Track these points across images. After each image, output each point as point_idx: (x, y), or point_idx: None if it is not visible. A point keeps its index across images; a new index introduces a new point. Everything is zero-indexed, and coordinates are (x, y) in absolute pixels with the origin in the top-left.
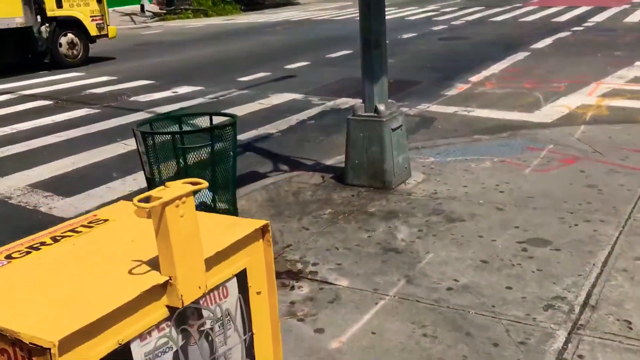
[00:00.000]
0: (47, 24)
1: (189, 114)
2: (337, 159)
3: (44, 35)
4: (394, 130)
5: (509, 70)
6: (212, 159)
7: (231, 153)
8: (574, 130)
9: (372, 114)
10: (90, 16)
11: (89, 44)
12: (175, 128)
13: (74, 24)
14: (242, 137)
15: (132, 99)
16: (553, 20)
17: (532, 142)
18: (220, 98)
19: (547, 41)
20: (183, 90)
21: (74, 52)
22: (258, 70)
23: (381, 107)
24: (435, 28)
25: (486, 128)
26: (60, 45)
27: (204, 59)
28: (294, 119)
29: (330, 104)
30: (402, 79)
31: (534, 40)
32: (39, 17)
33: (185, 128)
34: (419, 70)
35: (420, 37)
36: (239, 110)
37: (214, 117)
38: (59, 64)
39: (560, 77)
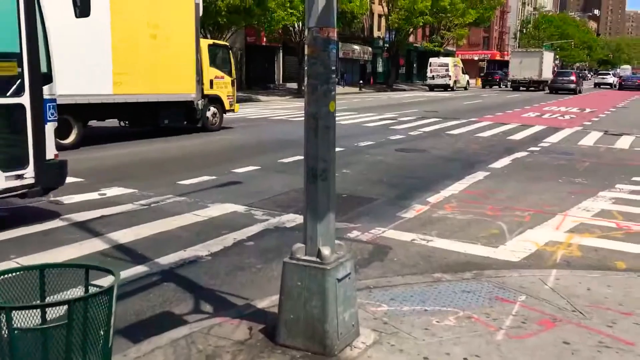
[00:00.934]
0: (203, 100)
1: (57, 264)
2: (272, 300)
3: (200, 107)
4: (340, 280)
5: (469, 192)
6: (66, 344)
7: (101, 332)
8: (546, 276)
9: (314, 258)
10: (227, 95)
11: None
12: (36, 283)
13: (216, 100)
14: (164, 260)
15: (53, 198)
16: (509, 138)
17: (500, 290)
18: (152, 205)
19: (505, 161)
20: (113, 192)
21: (215, 120)
22: (202, 172)
23: (326, 252)
24: (393, 137)
25: (447, 264)
26: (207, 115)
27: (147, 155)
28: (230, 238)
29: (274, 220)
30: (356, 195)
31: (492, 158)
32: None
33: (48, 285)
34: (374, 185)
35: (377, 146)
36: (169, 223)
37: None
38: (205, 128)
39: (524, 205)
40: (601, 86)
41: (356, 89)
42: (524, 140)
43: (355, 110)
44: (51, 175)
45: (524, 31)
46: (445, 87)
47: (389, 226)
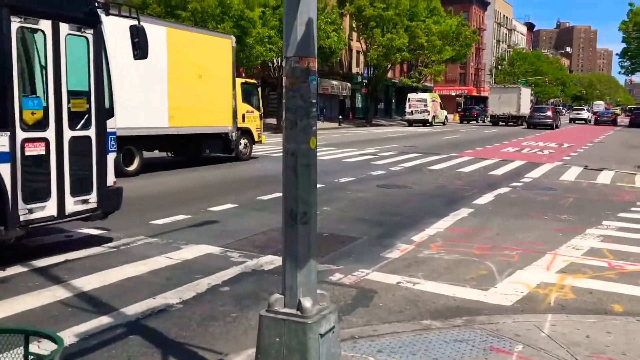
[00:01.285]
0: (237, 132)
1: None
2: (249, 355)
3: (234, 138)
4: (323, 335)
5: (455, 230)
6: None
7: None
8: (541, 322)
9: (294, 311)
10: (256, 128)
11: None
12: None
13: (247, 132)
14: (130, 309)
15: (22, 239)
16: (490, 173)
17: (494, 338)
18: (122, 247)
19: (489, 197)
20: (83, 230)
21: (246, 150)
22: (177, 211)
23: (307, 304)
24: (374, 173)
25: (437, 309)
26: (239, 146)
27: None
28: (204, 283)
29: (252, 263)
30: (338, 234)
31: (475, 194)
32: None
33: None
34: (356, 223)
35: (358, 182)
36: (138, 268)
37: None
38: (238, 158)
39: (511, 243)
40: (576, 121)
41: (335, 124)
42: (506, 176)
43: (335, 145)
44: (110, 201)
45: (499, 68)
46: (424, 123)
47: (373, 268)
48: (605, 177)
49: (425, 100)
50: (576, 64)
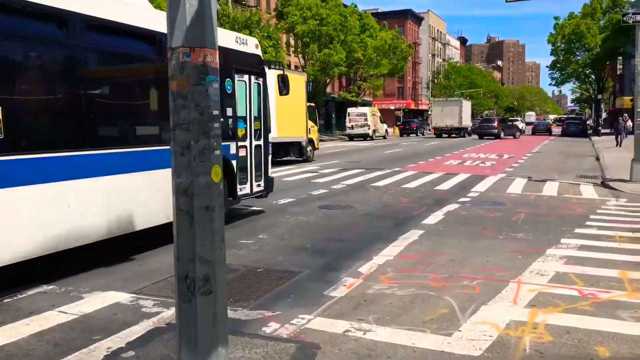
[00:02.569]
0: (306, 140)
1: None
2: None
3: (305, 145)
4: None
5: (406, 256)
6: None
7: None
8: None
9: None
10: (316, 138)
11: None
12: None
13: (311, 141)
14: None
15: None
16: (436, 188)
17: None
18: (6, 301)
19: (438, 215)
20: None
21: (311, 154)
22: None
23: None
24: (315, 192)
25: None
26: (308, 152)
27: None
28: (102, 349)
29: (169, 313)
30: (275, 268)
31: (424, 213)
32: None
33: None
34: (296, 253)
35: (298, 203)
36: (19, 330)
37: None
38: (307, 161)
39: (469, 271)
40: None
41: None
42: (452, 190)
43: (274, 162)
44: (270, 185)
45: (436, 81)
46: (364, 137)
47: (316, 312)
48: (551, 189)
49: (365, 115)
50: (507, 76)
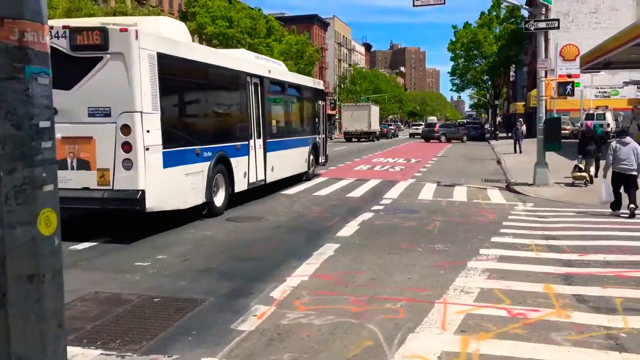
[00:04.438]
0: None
1: None
2: None
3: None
4: None
5: (322, 276)
6: None
7: None
8: None
9: None
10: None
11: None
12: None
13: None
14: None
15: None
16: (348, 195)
17: None
18: None
19: (353, 226)
20: None
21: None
22: None
23: None
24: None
25: None
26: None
27: None
28: None
29: None
30: (175, 295)
31: (338, 224)
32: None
33: None
34: (200, 276)
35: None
36: None
37: None
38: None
39: (392, 290)
40: (416, 136)
41: None
42: (365, 197)
43: None
44: (327, 159)
45: (342, 86)
46: None
47: (221, 352)
48: (460, 194)
49: None
50: (409, 82)
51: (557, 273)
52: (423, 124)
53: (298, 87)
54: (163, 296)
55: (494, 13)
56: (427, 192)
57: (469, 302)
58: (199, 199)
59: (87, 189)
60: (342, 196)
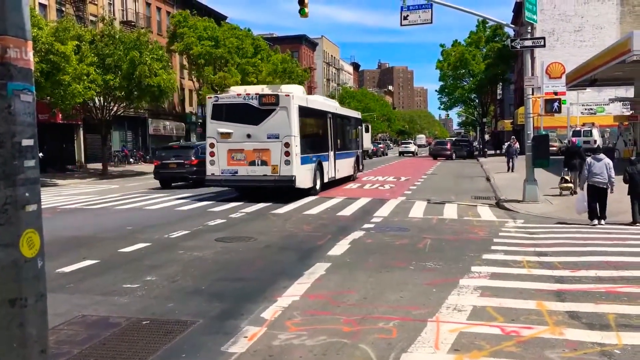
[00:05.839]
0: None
1: None
2: None
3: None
4: None
5: (314, 296)
6: None
7: None
8: None
9: None
10: None
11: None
12: None
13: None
14: None
15: None
16: (338, 214)
17: None
18: None
19: (344, 245)
20: None
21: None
22: None
23: None
24: (212, 222)
25: None
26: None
27: None
28: None
29: None
30: (164, 317)
31: (329, 243)
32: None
33: None
34: (189, 297)
35: (193, 236)
36: None
37: None
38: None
39: (384, 309)
40: (405, 154)
41: None
42: (355, 216)
43: (170, 190)
44: (363, 167)
45: None
46: None
47: None
48: (451, 211)
49: None
50: (397, 101)
51: (549, 289)
52: (412, 142)
53: (348, 118)
54: (152, 318)
55: (482, 34)
56: (418, 209)
57: (462, 320)
58: (311, 183)
59: (266, 175)
60: (332, 215)
